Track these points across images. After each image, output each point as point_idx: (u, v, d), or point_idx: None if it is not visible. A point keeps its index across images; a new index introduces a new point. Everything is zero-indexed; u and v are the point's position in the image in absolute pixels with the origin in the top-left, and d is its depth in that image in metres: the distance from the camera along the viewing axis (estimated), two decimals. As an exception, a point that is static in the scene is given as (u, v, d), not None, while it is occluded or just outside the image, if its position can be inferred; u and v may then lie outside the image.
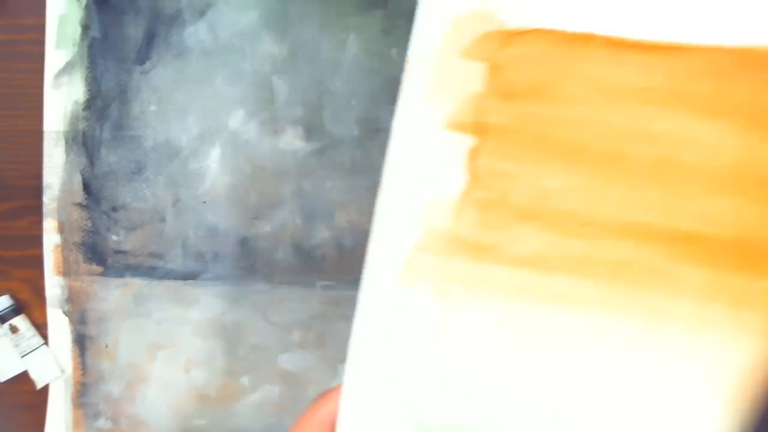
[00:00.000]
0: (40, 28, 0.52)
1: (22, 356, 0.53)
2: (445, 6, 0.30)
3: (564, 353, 0.29)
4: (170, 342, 0.53)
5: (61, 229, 0.53)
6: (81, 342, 0.54)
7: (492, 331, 0.30)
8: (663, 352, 0.29)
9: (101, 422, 0.54)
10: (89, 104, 0.53)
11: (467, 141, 0.30)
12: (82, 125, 0.53)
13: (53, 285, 0.53)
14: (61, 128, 0.53)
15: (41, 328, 0.54)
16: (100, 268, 0.53)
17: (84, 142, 0.53)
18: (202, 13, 0.51)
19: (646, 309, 0.29)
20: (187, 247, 0.53)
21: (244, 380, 0.53)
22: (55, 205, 0.53)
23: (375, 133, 0.51)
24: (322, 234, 0.52)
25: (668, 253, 0.29)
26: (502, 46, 0.30)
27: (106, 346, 0.53)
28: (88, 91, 0.52)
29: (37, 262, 0.53)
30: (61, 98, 0.52)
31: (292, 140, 0.51)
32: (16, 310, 0.54)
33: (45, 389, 0.54)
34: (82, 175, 0.53)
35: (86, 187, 0.53)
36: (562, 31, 0.29)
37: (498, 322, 0.30)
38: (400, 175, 0.31)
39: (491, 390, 0.30)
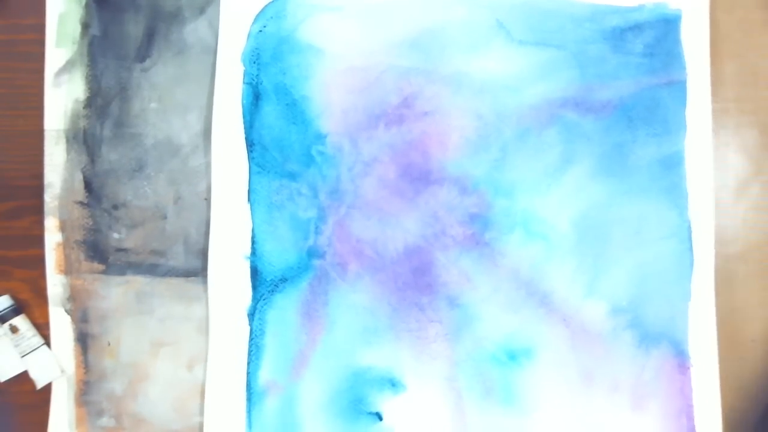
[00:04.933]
0: (41, 28, 0.52)
1: (22, 356, 0.53)
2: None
3: None
4: (172, 339, 0.53)
5: (63, 228, 0.53)
6: (83, 340, 0.53)
7: None
8: None
9: (104, 420, 0.53)
10: (90, 102, 0.53)
11: None
12: (82, 123, 0.53)
13: (55, 283, 0.53)
14: (62, 126, 0.53)
15: (42, 327, 0.54)
16: (101, 266, 0.53)
17: (85, 140, 0.53)
18: (201, 10, 0.52)
19: None
20: (189, 244, 0.53)
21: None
22: (56, 203, 0.53)
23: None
24: (324, 229, 0.52)
25: None
26: None
27: (109, 344, 0.53)
28: (89, 89, 0.53)
29: (38, 262, 0.53)
30: (62, 96, 0.52)
31: (293, 136, 0.52)
32: (16, 310, 0.53)
33: (46, 389, 0.53)
34: (83, 173, 0.53)
35: (87, 185, 0.53)
36: None
37: None
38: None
39: None
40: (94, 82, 0.53)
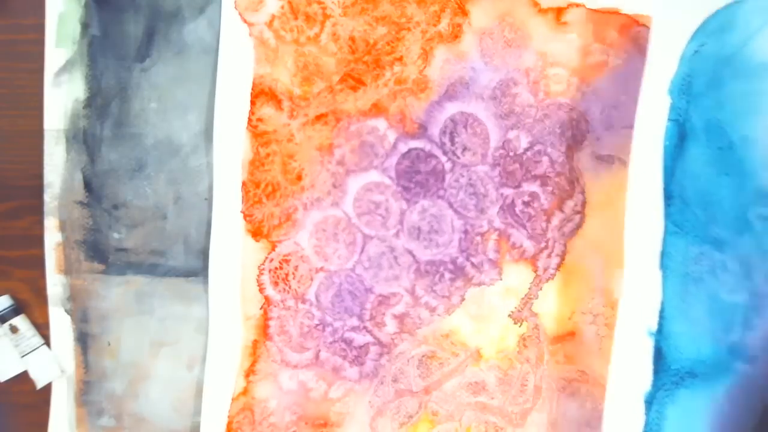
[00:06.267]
0: (40, 28, 0.52)
1: (22, 356, 0.53)
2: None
3: None
4: (172, 339, 0.53)
5: (63, 228, 0.53)
6: (83, 340, 0.53)
7: None
8: None
9: (104, 420, 0.53)
10: (90, 102, 0.53)
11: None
12: (82, 123, 0.53)
13: (55, 283, 0.53)
14: (62, 126, 0.53)
15: (41, 328, 0.54)
16: (101, 266, 0.53)
17: (85, 140, 0.53)
18: (201, 9, 0.52)
19: None
20: (189, 244, 0.53)
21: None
22: (56, 203, 0.53)
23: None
24: (324, 228, 0.52)
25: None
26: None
27: (109, 344, 0.53)
28: (89, 89, 0.53)
29: (38, 262, 0.53)
30: (62, 96, 0.52)
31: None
32: (16, 310, 0.53)
33: (45, 389, 0.54)
34: (83, 173, 0.53)
35: (87, 185, 0.53)
36: None
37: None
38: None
39: None
40: (94, 82, 0.53)
